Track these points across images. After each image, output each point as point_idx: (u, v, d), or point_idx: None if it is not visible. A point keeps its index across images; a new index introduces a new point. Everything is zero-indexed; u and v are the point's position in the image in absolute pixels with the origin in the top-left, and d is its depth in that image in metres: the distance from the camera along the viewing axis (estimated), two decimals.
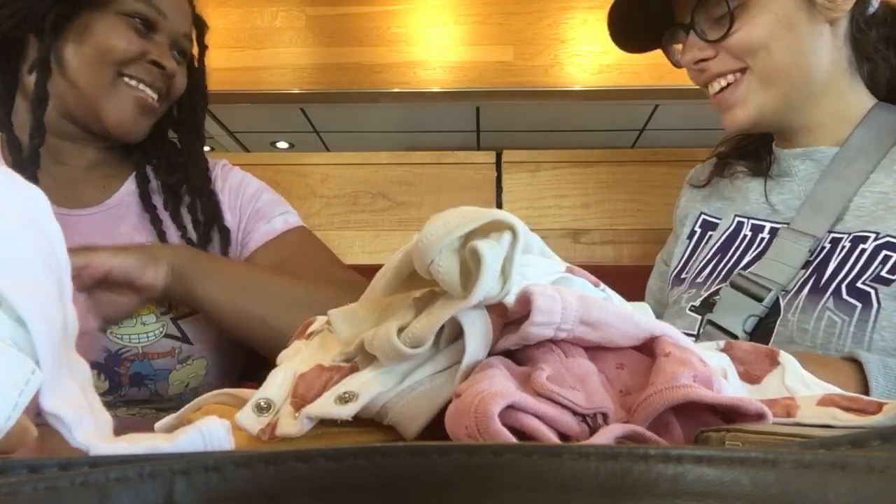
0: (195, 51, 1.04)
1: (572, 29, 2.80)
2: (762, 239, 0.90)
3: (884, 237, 0.78)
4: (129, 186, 0.99)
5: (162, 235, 0.95)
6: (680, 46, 0.93)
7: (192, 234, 0.97)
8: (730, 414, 0.33)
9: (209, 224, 0.98)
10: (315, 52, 2.87)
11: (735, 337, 0.80)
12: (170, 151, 1.03)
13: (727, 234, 0.95)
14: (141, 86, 0.93)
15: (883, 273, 0.75)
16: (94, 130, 0.95)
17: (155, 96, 0.95)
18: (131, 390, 0.88)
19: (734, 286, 0.84)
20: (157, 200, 0.99)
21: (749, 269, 0.85)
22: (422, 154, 1.49)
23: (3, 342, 0.27)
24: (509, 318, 0.38)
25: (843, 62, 0.87)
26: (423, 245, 0.33)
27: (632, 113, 4.28)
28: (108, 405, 0.37)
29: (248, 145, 5.02)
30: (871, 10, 0.86)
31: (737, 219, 0.95)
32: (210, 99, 1.06)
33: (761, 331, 0.81)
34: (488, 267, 0.33)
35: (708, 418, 0.33)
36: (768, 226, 0.90)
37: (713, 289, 0.88)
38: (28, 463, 0.21)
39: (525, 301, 0.35)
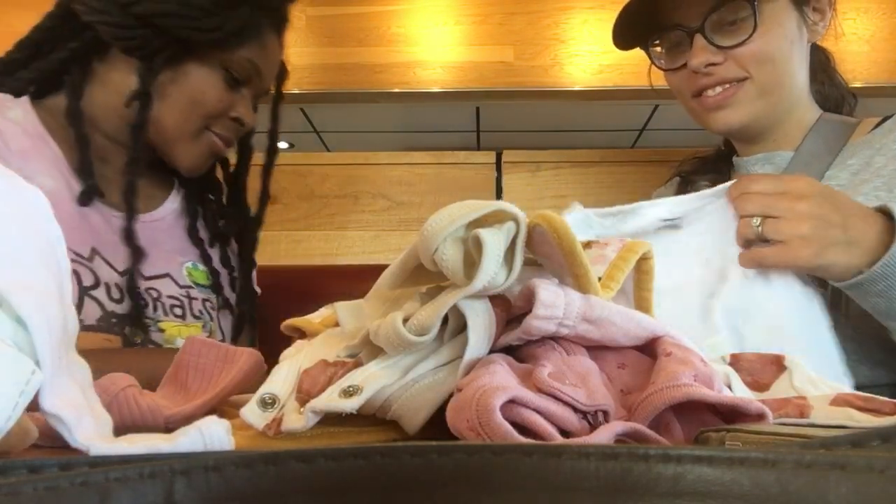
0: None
1: (572, 29, 2.79)
2: None
3: None
4: (172, 204, 1.01)
5: (208, 260, 0.99)
6: (659, 49, 0.96)
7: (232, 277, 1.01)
8: (730, 414, 0.33)
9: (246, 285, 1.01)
10: (315, 52, 2.87)
11: None
12: (215, 188, 1.05)
13: None
14: (219, 140, 0.95)
15: None
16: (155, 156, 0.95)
17: (228, 149, 0.98)
18: None
19: None
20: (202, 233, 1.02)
21: None
22: (422, 154, 1.49)
23: (3, 342, 0.27)
24: (513, 313, 0.38)
25: (807, 78, 0.95)
26: (428, 234, 0.34)
27: (632, 113, 4.27)
28: None
29: None
30: (818, 37, 0.94)
31: None
32: None
33: None
34: (490, 252, 0.33)
35: (708, 418, 0.33)
36: None
37: None
38: (28, 463, 0.21)
39: (529, 295, 0.36)
